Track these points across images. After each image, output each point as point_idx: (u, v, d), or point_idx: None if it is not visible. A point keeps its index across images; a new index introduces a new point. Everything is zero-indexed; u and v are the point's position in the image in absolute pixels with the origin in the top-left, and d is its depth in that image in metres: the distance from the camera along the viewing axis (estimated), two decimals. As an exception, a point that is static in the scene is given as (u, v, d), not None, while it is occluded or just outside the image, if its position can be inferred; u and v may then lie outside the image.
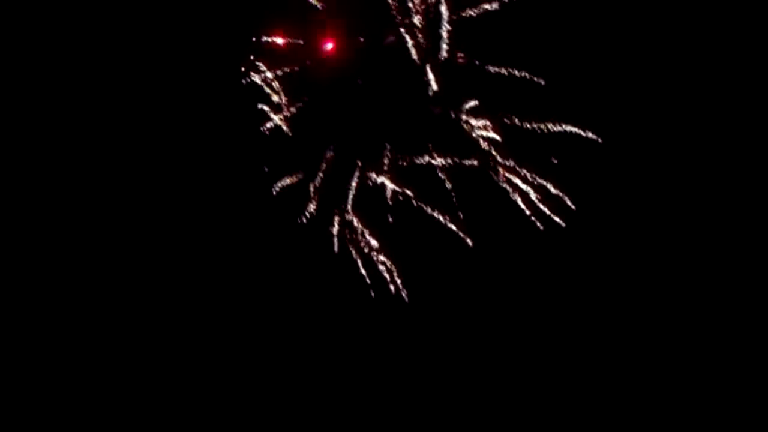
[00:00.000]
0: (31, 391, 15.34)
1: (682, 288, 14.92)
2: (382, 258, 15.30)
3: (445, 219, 15.11)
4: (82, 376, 15.48)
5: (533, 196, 14.87)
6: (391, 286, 15.30)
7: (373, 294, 15.27)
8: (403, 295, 15.28)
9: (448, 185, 15.14)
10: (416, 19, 14.82)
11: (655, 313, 15.02)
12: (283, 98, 15.29)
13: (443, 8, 14.70)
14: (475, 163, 15.06)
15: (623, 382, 15.00)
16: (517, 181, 14.96)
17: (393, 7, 14.81)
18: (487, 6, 14.63)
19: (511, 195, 15.00)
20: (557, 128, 14.70)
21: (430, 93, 15.04)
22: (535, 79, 14.60)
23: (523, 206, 14.93)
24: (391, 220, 15.21)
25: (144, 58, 15.46)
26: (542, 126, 14.74)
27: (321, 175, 15.41)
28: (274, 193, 15.34)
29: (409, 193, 15.18)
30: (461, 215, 15.04)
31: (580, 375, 15.11)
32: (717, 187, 14.88)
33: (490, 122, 14.92)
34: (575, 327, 15.22)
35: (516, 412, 15.20)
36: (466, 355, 15.42)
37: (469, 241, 15.03)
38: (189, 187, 15.56)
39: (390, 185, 15.22)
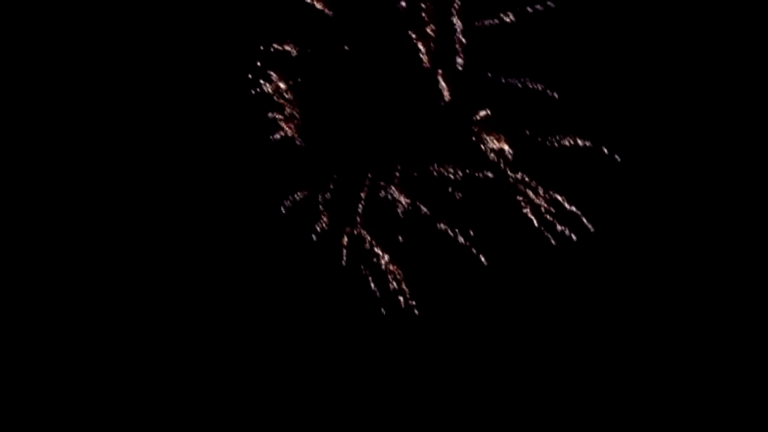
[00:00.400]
0: (31, 391, 15.48)
1: (697, 308, 14.60)
2: (391, 268, 15.20)
3: (455, 233, 14.96)
4: (82, 377, 15.62)
5: (546, 210, 14.64)
6: (401, 298, 15.21)
7: (383, 311, 15.22)
8: (413, 307, 15.19)
9: (458, 196, 14.98)
10: (429, 29, 14.61)
11: (674, 333, 14.73)
12: (295, 108, 15.18)
13: (456, 18, 14.46)
14: (490, 175, 14.86)
15: (637, 402, 14.80)
16: (531, 194, 14.75)
17: (405, 17, 14.60)
18: (502, 16, 14.36)
19: (523, 209, 14.79)
20: (572, 142, 14.44)
21: (442, 104, 14.82)
22: (549, 92, 14.33)
23: (535, 221, 14.73)
24: (401, 233, 15.08)
25: (152, 67, 15.38)
26: (556, 140, 14.48)
27: (331, 186, 15.31)
28: (284, 205, 15.28)
29: (420, 206, 15.04)
30: (471, 232, 14.89)
31: (594, 394, 14.92)
32: (740, 206, 14.44)
33: (503, 135, 14.70)
34: (590, 344, 14.99)
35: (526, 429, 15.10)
36: (477, 371, 15.28)
37: (482, 257, 14.86)
38: (197, 199, 15.50)
39: (400, 198, 15.09)
